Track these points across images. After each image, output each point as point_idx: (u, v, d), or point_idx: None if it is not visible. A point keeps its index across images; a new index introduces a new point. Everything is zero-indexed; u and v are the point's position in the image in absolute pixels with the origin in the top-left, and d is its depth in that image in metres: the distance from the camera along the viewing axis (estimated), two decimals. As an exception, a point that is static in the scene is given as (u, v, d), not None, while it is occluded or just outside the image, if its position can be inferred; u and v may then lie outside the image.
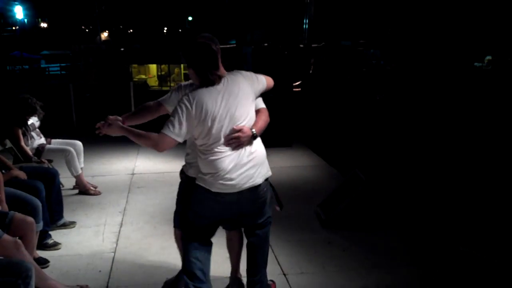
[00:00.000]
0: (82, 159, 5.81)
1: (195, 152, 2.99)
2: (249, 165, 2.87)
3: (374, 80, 15.33)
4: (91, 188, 5.81)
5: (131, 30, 61.55)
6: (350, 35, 26.44)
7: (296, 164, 7.26)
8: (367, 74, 16.70)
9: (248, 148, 2.88)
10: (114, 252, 4.21)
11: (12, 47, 39.90)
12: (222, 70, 2.84)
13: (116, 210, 5.26)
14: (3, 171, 4.13)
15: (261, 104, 3.19)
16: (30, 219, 3.41)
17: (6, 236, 3.00)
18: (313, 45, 11.93)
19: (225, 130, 2.78)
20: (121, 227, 4.79)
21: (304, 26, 10.24)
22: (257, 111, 3.08)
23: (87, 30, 59.49)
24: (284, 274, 3.82)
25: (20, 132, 5.29)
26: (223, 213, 2.97)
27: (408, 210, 5.65)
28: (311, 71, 10.20)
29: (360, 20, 29.57)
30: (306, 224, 4.87)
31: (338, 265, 3.99)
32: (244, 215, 3.04)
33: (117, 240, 4.47)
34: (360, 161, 7.92)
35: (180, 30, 55.01)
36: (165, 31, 56.80)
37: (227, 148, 2.79)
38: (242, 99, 2.85)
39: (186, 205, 3.07)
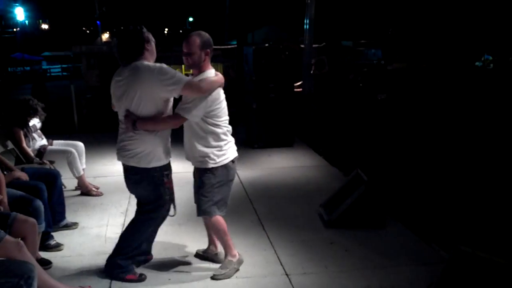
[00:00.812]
0: (83, 160, 5.81)
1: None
2: None
3: (375, 80, 15.32)
4: (93, 189, 5.81)
5: (132, 31, 61.48)
6: (351, 35, 26.41)
7: (298, 164, 7.26)
8: (368, 74, 16.69)
9: None
10: (116, 253, 4.20)
11: (13, 48, 39.93)
12: None
13: (118, 211, 5.25)
14: (5, 172, 4.13)
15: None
16: (32, 220, 3.41)
17: (8, 237, 2.99)
18: (313, 46, 11.93)
19: None
20: (123, 228, 4.76)
21: (305, 26, 10.23)
22: None
23: (88, 32, 59.51)
24: (287, 275, 3.82)
25: (21, 133, 5.30)
26: None
27: (411, 209, 5.65)
28: (312, 72, 10.18)
29: (361, 20, 29.58)
30: (309, 225, 4.86)
31: (341, 265, 3.98)
32: None
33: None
34: (362, 161, 7.92)
35: (181, 31, 55.02)
36: (166, 31, 56.80)
37: None
38: None
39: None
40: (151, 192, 3.56)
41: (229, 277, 3.72)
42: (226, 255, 3.84)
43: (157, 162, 3.46)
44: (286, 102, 8.22)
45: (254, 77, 7.95)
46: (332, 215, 4.77)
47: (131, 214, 5.04)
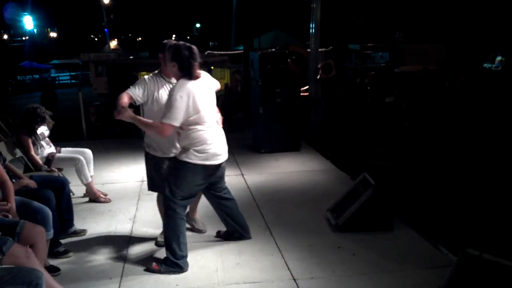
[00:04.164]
0: (91, 167, 5.84)
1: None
2: None
3: (383, 83, 15.30)
4: (101, 195, 5.83)
5: (140, 38, 61.98)
6: (358, 39, 26.39)
7: (305, 168, 7.25)
8: (376, 77, 16.68)
9: None
10: (124, 260, 4.22)
11: (21, 57, 40.28)
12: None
13: (126, 218, 5.27)
14: (14, 180, 4.16)
15: None
16: (41, 227, 3.43)
17: (17, 245, 3.02)
18: (320, 50, 11.93)
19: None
20: (131, 234, 4.81)
21: (311, 30, 10.22)
22: None
23: (96, 39, 59.97)
24: (294, 279, 3.81)
25: (30, 141, 5.34)
26: None
27: (419, 212, 5.63)
28: (318, 76, 10.19)
29: (369, 24, 29.54)
30: (316, 229, 4.85)
31: (348, 269, 3.97)
32: None
33: (128, 247, 4.48)
34: (369, 164, 7.91)
35: (188, 37, 55.31)
36: (173, 38, 57.11)
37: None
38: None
39: None
40: None
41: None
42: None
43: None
44: (293, 106, 8.22)
45: (260, 82, 7.96)
46: (340, 219, 4.76)
47: (139, 221, 5.12)
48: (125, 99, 3.91)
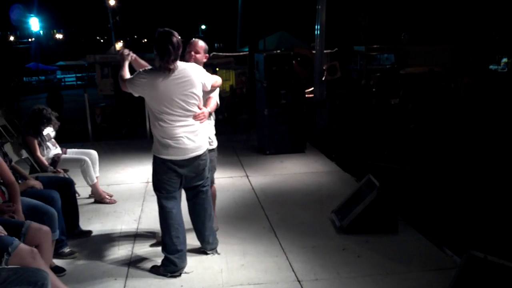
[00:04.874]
0: (97, 168, 5.86)
1: None
2: None
3: (389, 85, 15.27)
4: (107, 196, 5.86)
5: (146, 40, 62.11)
6: (363, 40, 26.36)
7: (310, 170, 7.25)
8: (381, 79, 16.64)
9: None
10: (130, 260, 4.23)
11: (27, 59, 40.47)
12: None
13: (131, 219, 5.29)
14: (20, 181, 4.18)
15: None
16: (46, 228, 3.45)
17: (23, 245, 3.04)
18: (325, 51, 11.93)
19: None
20: (136, 235, 4.82)
21: (316, 32, 10.22)
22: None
23: (101, 41, 60.16)
24: (299, 281, 3.81)
25: (36, 142, 5.37)
26: None
27: (424, 215, 5.62)
28: (324, 78, 10.18)
29: (374, 25, 29.51)
30: (321, 230, 4.85)
31: (353, 271, 3.97)
32: None
33: (133, 248, 4.50)
34: (374, 165, 7.90)
35: (193, 39, 55.31)
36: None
37: None
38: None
39: None
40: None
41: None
42: None
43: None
44: (298, 108, 8.22)
45: (265, 83, 7.97)
46: (344, 221, 4.76)
47: (144, 222, 5.13)
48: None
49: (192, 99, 3.77)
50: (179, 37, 3.68)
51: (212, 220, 4.27)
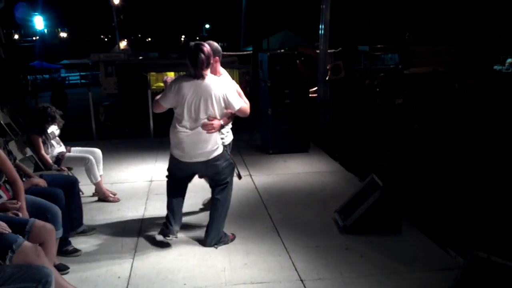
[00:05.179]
0: (101, 167, 5.87)
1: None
2: None
3: (393, 85, 15.25)
4: (110, 195, 5.87)
5: (150, 39, 62.21)
6: (367, 40, 26.30)
7: (313, 169, 7.25)
8: (385, 78, 16.62)
9: None
10: (133, 259, 4.25)
11: (32, 57, 40.54)
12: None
13: (135, 217, 5.30)
14: (24, 179, 4.20)
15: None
16: (50, 226, 3.46)
17: (27, 243, 3.05)
18: (329, 51, 11.92)
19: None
20: (139, 233, 4.83)
21: (320, 31, 10.22)
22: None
23: (106, 39, 60.25)
24: (302, 280, 3.82)
25: (40, 140, 5.38)
26: None
27: (427, 215, 5.61)
28: (327, 77, 10.19)
29: (378, 25, 29.43)
30: (324, 230, 4.85)
31: (356, 271, 3.97)
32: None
33: (136, 246, 4.51)
34: (378, 165, 7.90)
35: (197, 38, 55.41)
36: (182, 38, 57.25)
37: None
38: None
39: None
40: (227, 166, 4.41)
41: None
42: None
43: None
44: (302, 107, 8.22)
45: (269, 83, 7.98)
46: (347, 220, 4.76)
47: (148, 220, 5.15)
48: None
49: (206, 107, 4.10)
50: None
51: (220, 221, 4.47)
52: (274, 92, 8.02)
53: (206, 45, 4.09)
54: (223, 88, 4.13)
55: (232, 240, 4.57)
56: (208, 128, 4.11)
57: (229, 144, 4.85)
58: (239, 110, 4.25)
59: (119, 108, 14.43)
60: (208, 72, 4.13)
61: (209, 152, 4.20)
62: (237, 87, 4.53)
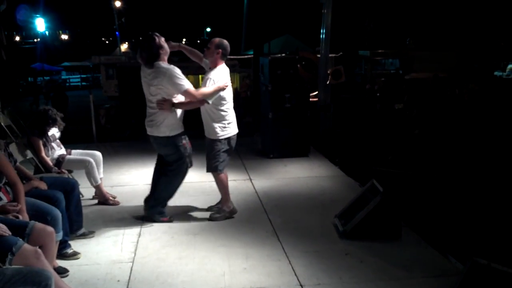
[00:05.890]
0: (101, 170, 5.86)
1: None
2: None
3: (393, 90, 15.27)
4: (110, 198, 5.86)
5: (150, 42, 62.13)
6: (368, 45, 26.34)
7: (313, 174, 7.24)
8: (386, 83, 16.65)
9: None
10: (133, 262, 4.24)
11: (33, 59, 40.57)
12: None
13: (135, 220, 5.29)
14: (24, 181, 4.19)
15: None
16: (50, 229, 3.46)
17: (27, 246, 3.05)
18: (330, 55, 11.94)
19: None
20: (139, 237, 4.83)
21: (321, 36, 10.24)
22: None
23: (107, 42, 60.34)
24: (301, 285, 3.81)
25: (41, 143, 5.39)
26: None
27: (427, 221, 5.61)
28: (328, 82, 10.19)
29: (379, 30, 29.49)
30: (324, 235, 4.85)
31: (356, 276, 3.96)
32: None
33: (135, 250, 4.51)
34: (378, 170, 7.90)
35: (198, 41, 55.49)
36: (183, 42, 57.32)
37: None
38: None
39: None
40: (175, 153, 4.91)
41: (219, 220, 5.15)
42: (222, 205, 5.26)
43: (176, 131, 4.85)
44: (302, 112, 8.22)
45: (270, 87, 7.98)
46: (347, 226, 4.75)
47: (147, 223, 5.14)
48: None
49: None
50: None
51: (159, 193, 5.12)
52: (274, 96, 8.03)
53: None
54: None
55: (166, 222, 5.12)
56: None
57: (231, 137, 5.17)
58: (185, 92, 4.66)
59: (120, 110, 14.44)
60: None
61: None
62: (222, 82, 4.93)
